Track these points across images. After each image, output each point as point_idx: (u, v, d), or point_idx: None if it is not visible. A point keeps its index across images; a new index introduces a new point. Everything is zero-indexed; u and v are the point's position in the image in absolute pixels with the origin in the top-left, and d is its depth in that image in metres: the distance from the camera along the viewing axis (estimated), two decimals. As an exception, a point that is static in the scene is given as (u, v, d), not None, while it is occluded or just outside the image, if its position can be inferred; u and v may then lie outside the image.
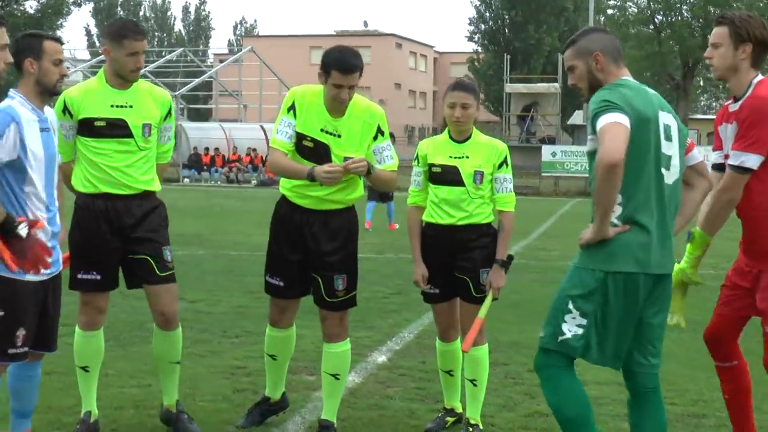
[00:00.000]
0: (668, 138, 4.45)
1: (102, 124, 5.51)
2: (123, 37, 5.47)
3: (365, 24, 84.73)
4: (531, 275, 13.36)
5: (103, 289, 5.60)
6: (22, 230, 4.13)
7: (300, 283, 5.77)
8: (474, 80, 62.39)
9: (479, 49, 64.06)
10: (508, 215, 5.77)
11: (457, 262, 5.76)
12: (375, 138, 5.62)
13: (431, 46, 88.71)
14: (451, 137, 5.82)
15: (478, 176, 5.69)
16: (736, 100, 4.94)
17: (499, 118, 60.58)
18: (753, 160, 4.76)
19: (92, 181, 5.53)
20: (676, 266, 4.94)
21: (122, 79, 5.57)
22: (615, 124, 4.18)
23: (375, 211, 20.12)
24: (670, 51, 52.02)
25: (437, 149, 5.83)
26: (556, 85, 50.57)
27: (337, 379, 5.75)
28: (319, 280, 5.66)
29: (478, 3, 62.61)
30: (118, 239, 5.56)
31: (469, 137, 5.79)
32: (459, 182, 5.69)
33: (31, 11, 57.81)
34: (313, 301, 5.81)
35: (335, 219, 5.64)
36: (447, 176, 5.72)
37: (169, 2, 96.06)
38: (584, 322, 4.37)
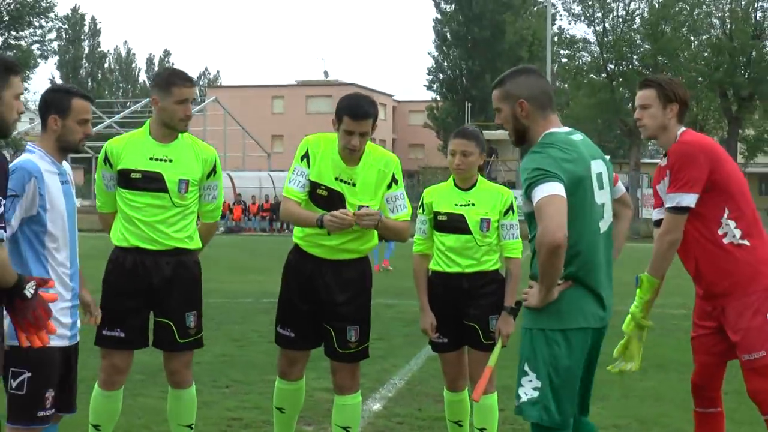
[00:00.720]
0: (601, 186, 4.31)
1: (138, 176, 5.28)
2: (172, 85, 5.28)
3: (326, 74, 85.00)
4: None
5: (126, 347, 5.34)
6: (29, 290, 3.81)
7: (311, 334, 5.54)
8: (433, 127, 63.24)
9: (438, 97, 64.39)
10: (515, 262, 5.62)
11: (466, 309, 5.59)
12: (389, 186, 5.43)
13: (390, 95, 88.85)
14: (455, 185, 5.67)
15: (485, 224, 5.53)
16: (665, 155, 5.06)
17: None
18: (688, 199, 4.89)
19: (125, 234, 5.31)
20: (629, 317, 5.03)
21: (170, 129, 5.35)
22: (551, 197, 3.97)
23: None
24: (622, 98, 52.51)
25: (442, 197, 5.66)
26: (515, 131, 50.78)
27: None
28: (332, 332, 5.44)
29: (436, 53, 63.09)
30: (144, 298, 5.33)
31: (474, 184, 5.64)
32: (465, 230, 5.53)
33: (-2, 64, 56.88)
34: (324, 353, 5.58)
35: (348, 269, 5.43)
36: (453, 224, 5.56)
37: (134, 54, 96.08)
38: (539, 384, 4.17)
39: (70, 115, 4.49)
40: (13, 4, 56.48)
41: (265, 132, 67.80)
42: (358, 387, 5.61)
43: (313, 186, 5.37)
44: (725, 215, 4.97)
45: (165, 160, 5.32)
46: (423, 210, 5.72)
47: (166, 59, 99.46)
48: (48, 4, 57.13)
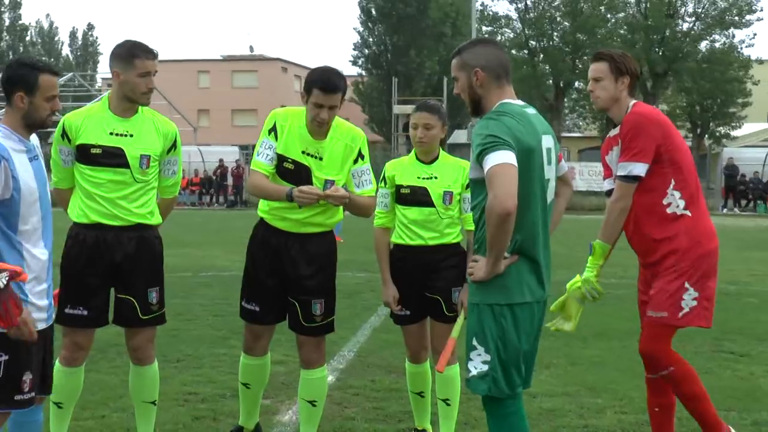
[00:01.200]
0: (549, 162, 4.30)
1: (98, 151, 5.07)
2: (134, 57, 5.05)
3: (251, 49, 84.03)
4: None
5: (89, 325, 5.16)
6: (1, 280, 3.63)
7: (276, 308, 5.43)
8: (359, 102, 62.96)
9: (363, 72, 64.08)
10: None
11: (428, 282, 5.54)
12: (355, 161, 5.34)
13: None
14: (417, 158, 5.60)
15: (448, 197, 5.47)
16: (616, 126, 5.14)
17: (383, 138, 60.75)
18: (639, 168, 4.98)
19: (85, 211, 5.10)
20: (578, 277, 5.09)
21: (131, 102, 5.13)
22: (504, 166, 3.93)
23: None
24: (543, 74, 53.08)
25: (405, 171, 5.59)
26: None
27: (315, 405, 5.44)
28: (297, 305, 5.34)
29: (361, 29, 62.70)
30: (106, 275, 5.15)
31: (437, 158, 5.58)
32: (429, 203, 5.47)
33: None
34: (288, 327, 5.49)
35: (314, 242, 5.33)
36: (416, 197, 5.49)
37: (56, 28, 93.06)
38: (488, 357, 4.16)
39: (37, 92, 4.18)
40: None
41: (191, 106, 66.71)
42: (324, 361, 5.53)
43: (280, 159, 5.25)
44: (671, 185, 5.04)
45: (125, 135, 5.13)
46: (385, 183, 5.65)
47: (90, 33, 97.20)
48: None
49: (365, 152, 5.40)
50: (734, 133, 54.55)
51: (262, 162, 5.24)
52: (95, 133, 5.09)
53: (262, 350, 5.59)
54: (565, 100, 55.76)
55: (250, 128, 71.84)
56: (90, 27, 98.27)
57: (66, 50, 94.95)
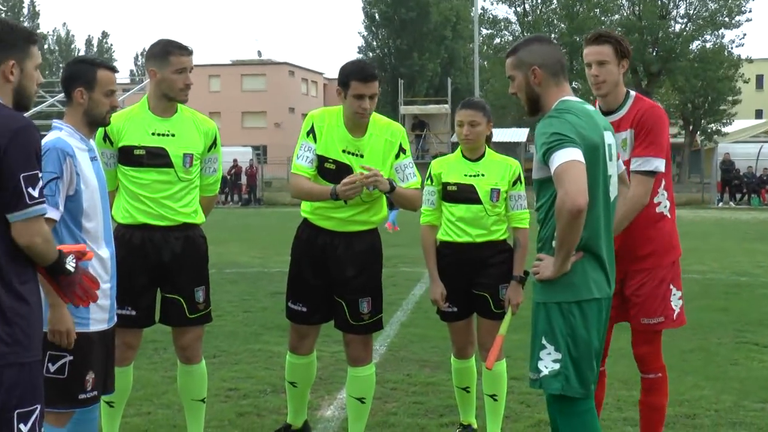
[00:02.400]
0: (610, 158, 4.08)
1: (141, 152, 4.85)
2: (169, 54, 4.84)
3: (259, 54, 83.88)
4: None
5: (137, 325, 4.96)
6: (70, 264, 3.45)
7: (323, 308, 5.22)
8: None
9: (368, 75, 63.93)
10: (523, 232, 5.36)
11: (476, 279, 5.32)
12: (397, 156, 5.13)
13: (321, 73, 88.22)
14: (464, 156, 5.39)
15: (495, 194, 5.26)
16: (606, 113, 4.72)
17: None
18: (662, 165, 4.70)
19: (131, 212, 4.89)
20: None
21: (170, 100, 4.92)
22: (572, 163, 3.72)
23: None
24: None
25: (451, 168, 5.38)
26: (446, 106, 51.06)
27: (363, 402, 5.23)
28: (344, 304, 5.13)
29: (365, 33, 62.62)
30: (153, 275, 4.95)
31: (483, 155, 5.37)
32: (476, 200, 5.25)
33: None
34: (335, 326, 5.28)
35: (359, 241, 5.11)
36: (463, 195, 5.28)
37: (73, 36, 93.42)
38: (559, 356, 3.94)
39: (96, 87, 4.03)
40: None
41: (203, 109, 64.15)
42: (371, 358, 5.32)
43: (321, 160, 5.04)
44: (662, 185, 4.81)
45: (167, 135, 4.92)
46: (431, 181, 5.43)
47: (105, 40, 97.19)
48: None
49: (406, 146, 5.19)
50: (725, 129, 54.40)
51: (302, 165, 5.03)
52: (137, 134, 4.89)
53: (308, 349, 5.38)
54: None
55: (259, 129, 71.85)
56: (105, 35, 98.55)
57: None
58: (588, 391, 4.01)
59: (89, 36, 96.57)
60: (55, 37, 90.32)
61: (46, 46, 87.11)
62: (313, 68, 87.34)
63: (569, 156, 3.75)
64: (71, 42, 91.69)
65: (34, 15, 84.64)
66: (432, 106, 53.58)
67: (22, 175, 3.16)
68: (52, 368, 3.85)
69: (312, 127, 5.07)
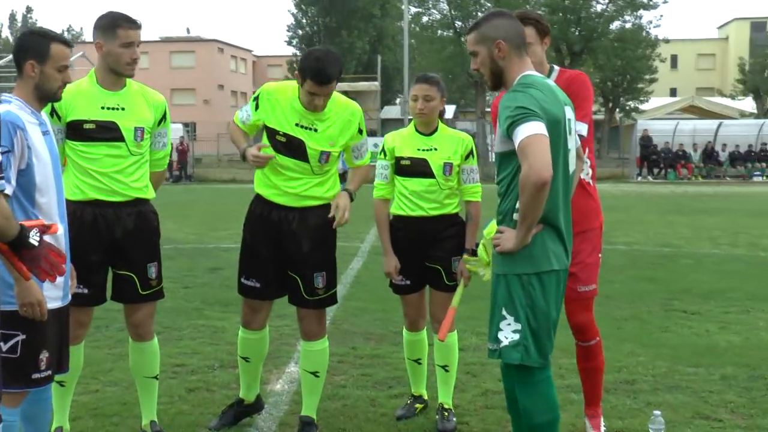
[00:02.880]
0: (569, 132, 4.06)
1: (91, 126, 4.64)
2: (117, 27, 4.62)
3: (188, 31, 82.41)
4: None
5: (89, 303, 4.77)
6: (34, 238, 3.31)
7: (276, 283, 5.11)
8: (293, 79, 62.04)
9: (297, 52, 63.29)
10: (475, 205, 5.32)
11: (429, 251, 5.27)
12: (354, 137, 5.07)
13: (250, 51, 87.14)
14: (417, 130, 5.31)
15: (448, 168, 5.21)
16: None
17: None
18: (584, 129, 4.67)
19: (81, 187, 4.68)
20: (493, 223, 4.49)
21: (117, 74, 4.71)
22: (537, 136, 3.70)
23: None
24: (468, 52, 53.01)
25: (405, 142, 5.31)
26: (375, 83, 50.98)
27: (317, 376, 5.15)
28: (298, 279, 5.03)
29: (295, 11, 61.89)
30: (105, 252, 4.77)
31: (436, 129, 5.30)
32: (429, 174, 5.19)
33: None
34: (289, 301, 5.18)
35: (313, 216, 4.99)
36: (417, 168, 5.21)
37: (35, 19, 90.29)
38: (518, 326, 3.91)
39: (48, 62, 3.83)
40: None
41: None
42: (325, 332, 5.24)
43: (272, 132, 4.94)
44: (585, 152, 4.78)
45: (117, 109, 4.73)
46: (384, 155, 5.35)
47: (29, 15, 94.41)
48: None
49: (363, 126, 5.12)
50: (642, 107, 55.28)
51: (237, 116, 5.14)
52: (87, 108, 4.68)
53: (261, 324, 5.25)
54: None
55: (189, 107, 70.66)
56: (29, 10, 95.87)
57: (6, 32, 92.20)
58: (546, 361, 4.00)
59: (12, 11, 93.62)
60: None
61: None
62: (243, 45, 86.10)
63: (534, 129, 3.71)
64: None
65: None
66: (362, 83, 53.47)
67: None
68: (4, 347, 3.67)
69: (257, 97, 5.03)
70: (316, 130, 4.92)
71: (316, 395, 5.17)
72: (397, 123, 49.92)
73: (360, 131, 5.08)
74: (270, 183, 5.01)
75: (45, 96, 3.90)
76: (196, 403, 5.76)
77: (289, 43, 63.03)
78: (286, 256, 5.02)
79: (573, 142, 4.10)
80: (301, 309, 5.11)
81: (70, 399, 5.00)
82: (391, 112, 54.68)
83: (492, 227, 4.67)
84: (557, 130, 3.88)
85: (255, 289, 5.11)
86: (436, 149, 5.22)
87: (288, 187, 4.95)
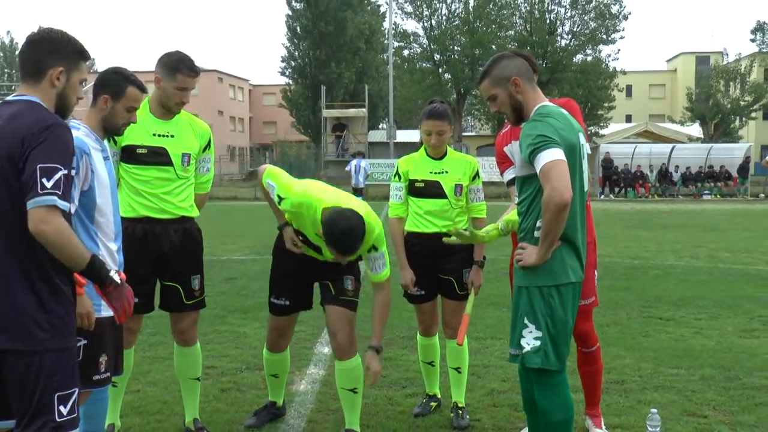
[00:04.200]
0: (583, 156, 4.09)
1: (144, 151, 4.68)
2: (176, 71, 4.66)
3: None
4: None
5: (139, 311, 4.74)
6: (116, 276, 3.32)
7: (303, 296, 5.10)
8: (287, 107, 62.23)
9: (290, 82, 63.32)
10: (482, 221, 5.33)
11: (441, 264, 5.28)
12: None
13: (247, 80, 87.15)
14: (428, 154, 5.32)
15: (458, 189, 5.23)
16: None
17: (308, 138, 60.24)
18: (588, 148, 4.53)
19: (133, 206, 4.69)
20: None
21: (166, 109, 4.74)
22: (557, 162, 3.72)
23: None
24: (446, 82, 53.29)
25: (417, 166, 5.31)
26: (363, 110, 51.13)
27: (355, 392, 4.90)
28: (329, 283, 4.96)
29: (288, 44, 61.94)
30: (154, 264, 4.77)
31: (445, 154, 5.31)
32: (442, 195, 5.21)
33: None
34: (321, 303, 5.05)
35: None
36: (430, 190, 5.23)
37: (17, 43, 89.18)
38: (539, 334, 3.92)
39: (122, 100, 3.87)
40: None
41: None
42: (356, 350, 4.98)
43: (297, 231, 4.89)
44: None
45: (167, 136, 4.77)
46: (399, 178, 5.34)
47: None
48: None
49: (377, 244, 4.73)
50: (602, 131, 55.65)
51: (266, 182, 4.92)
52: (140, 134, 4.70)
53: (284, 347, 5.23)
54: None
55: (192, 131, 70.36)
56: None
57: None
58: (563, 364, 4.01)
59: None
60: (0, 45, 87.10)
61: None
62: (240, 75, 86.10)
63: (554, 156, 3.73)
64: (15, 49, 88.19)
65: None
66: (351, 110, 53.52)
67: (39, 165, 3.02)
68: None
69: (281, 199, 4.81)
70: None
71: (356, 411, 4.93)
72: (383, 146, 50.02)
73: (374, 248, 4.74)
74: None
75: (109, 129, 3.92)
76: (229, 402, 5.74)
77: (283, 73, 63.15)
78: (316, 269, 4.98)
79: (586, 165, 4.12)
80: (334, 321, 4.89)
81: (122, 399, 4.98)
82: (377, 135, 54.83)
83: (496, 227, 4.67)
84: (573, 155, 3.91)
85: (285, 306, 5.07)
86: (447, 172, 5.23)
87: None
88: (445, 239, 4.79)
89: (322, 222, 4.38)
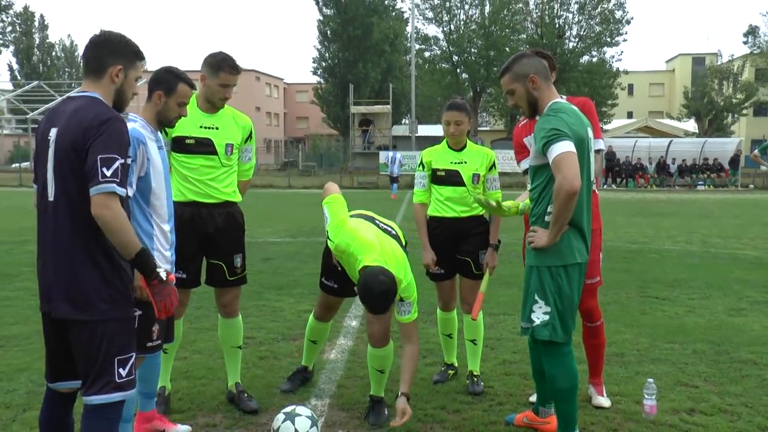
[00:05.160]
0: (590, 149, 4.08)
1: (191, 142, 4.71)
2: (219, 69, 4.68)
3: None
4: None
5: (188, 286, 4.82)
6: (163, 273, 3.31)
7: (349, 286, 5.03)
8: (318, 104, 62.21)
9: (321, 80, 63.30)
10: None
11: (460, 246, 5.28)
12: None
13: (281, 79, 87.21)
14: (449, 146, 5.32)
15: (476, 178, 5.23)
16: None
17: (338, 132, 60.25)
18: (602, 143, 4.70)
19: (182, 191, 4.73)
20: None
21: (211, 104, 4.78)
22: (568, 153, 3.72)
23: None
24: (463, 81, 53.08)
25: (439, 157, 5.32)
26: (387, 106, 51.08)
27: (382, 373, 4.86)
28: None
29: (319, 46, 61.88)
30: (200, 244, 4.82)
31: (465, 146, 5.31)
32: (461, 183, 5.21)
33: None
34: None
35: None
36: (450, 178, 5.23)
37: (76, 45, 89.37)
38: (548, 309, 3.94)
39: (173, 96, 3.94)
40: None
41: None
42: (390, 339, 4.86)
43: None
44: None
45: (213, 128, 4.79)
46: (422, 167, 5.36)
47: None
48: (7, 3, 53.66)
49: (407, 289, 4.58)
50: (605, 127, 55.22)
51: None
52: (188, 126, 4.74)
53: (330, 318, 5.30)
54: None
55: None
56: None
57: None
58: (569, 337, 4.02)
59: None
60: (61, 46, 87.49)
61: (53, 53, 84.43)
62: (275, 74, 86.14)
63: (565, 148, 3.74)
64: (75, 50, 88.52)
65: (44, 27, 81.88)
66: (377, 107, 53.51)
67: (99, 156, 3.06)
68: None
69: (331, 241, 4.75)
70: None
71: (382, 384, 4.91)
72: (405, 139, 49.93)
73: (401, 299, 4.54)
74: None
75: (163, 121, 3.98)
76: (267, 368, 5.79)
77: (314, 72, 62.97)
78: None
79: (593, 157, 4.11)
80: (371, 319, 4.79)
81: (171, 364, 5.03)
82: (400, 130, 54.72)
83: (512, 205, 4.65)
84: (582, 148, 3.91)
85: (334, 288, 5.10)
86: (465, 162, 5.23)
87: None
88: (474, 200, 4.77)
89: (359, 282, 4.28)
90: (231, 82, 4.74)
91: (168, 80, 3.94)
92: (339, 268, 4.76)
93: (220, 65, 4.71)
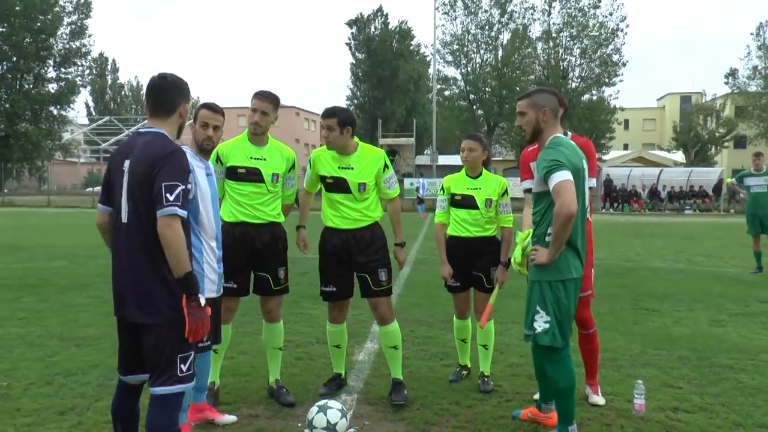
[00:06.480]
0: (585, 178, 4.11)
1: (243, 171, 4.83)
2: (252, 102, 4.86)
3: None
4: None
5: (236, 294, 4.90)
6: (202, 299, 3.24)
7: (347, 287, 5.11)
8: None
9: (353, 115, 63.69)
10: (508, 229, 5.33)
11: (474, 262, 5.31)
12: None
13: (318, 114, 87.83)
14: (467, 174, 5.38)
15: (488, 202, 5.26)
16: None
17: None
18: (594, 182, 4.65)
19: (234, 213, 4.85)
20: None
21: (255, 136, 4.91)
22: (566, 182, 3.76)
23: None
24: (479, 117, 53.13)
25: (457, 183, 5.37)
26: (411, 139, 51.31)
27: (396, 348, 5.03)
28: (367, 276, 4.99)
29: (351, 86, 62.44)
30: (249, 258, 4.90)
31: (480, 174, 5.36)
32: (475, 207, 5.25)
33: (53, 91, 54.56)
34: (362, 295, 5.09)
35: (369, 232, 5.05)
36: (466, 202, 5.27)
37: (142, 85, 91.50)
38: (548, 318, 3.96)
39: (197, 121, 4.13)
40: (63, 51, 55.04)
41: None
42: (394, 317, 5.12)
43: (322, 177, 5.05)
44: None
45: (261, 159, 4.90)
46: (443, 192, 5.42)
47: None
48: (86, 50, 55.42)
49: (388, 163, 5.06)
50: (604, 157, 54.88)
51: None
52: (240, 157, 4.86)
53: (342, 319, 5.25)
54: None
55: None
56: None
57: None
58: (567, 343, 4.04)
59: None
60: (129, 86, 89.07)
61: (123, 92, 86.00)
62: (312, 110, 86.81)
63: (564, 176, 3.78)
64: (140, 89, 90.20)
65: (115, 69, 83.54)
66: (402, 139, 53.82)
67: (163, 183, 3.15)
68: None
69: (311, 161, 5.11)
70: (353, 169, 4.97)
71: (398, 362, 5.05)
72: (427, 168, 50.03)
73: (386, 166, 5.00)
74: (334, 216, 5.06)
75: (198, 147, 4.14)
76: (303, 368, 5.84)
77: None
78: (355, 262, 5.00)
79: (587, 185, 4.15)
80: (373, 299, 4.98)
81: (221, 363, 5.10)
82: (422, 159, 54.88)
83: (522, 235, 4.64)
84: (578, 177, 3.94)
85: (333, 293, 5.10)
86: (480, 188, 5.27)
87: (346, 214, 5.00)
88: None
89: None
90: (256, 107, 4.83)
91: (195, 112, 4.12)
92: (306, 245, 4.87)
93: (252, 100, 4.87)
